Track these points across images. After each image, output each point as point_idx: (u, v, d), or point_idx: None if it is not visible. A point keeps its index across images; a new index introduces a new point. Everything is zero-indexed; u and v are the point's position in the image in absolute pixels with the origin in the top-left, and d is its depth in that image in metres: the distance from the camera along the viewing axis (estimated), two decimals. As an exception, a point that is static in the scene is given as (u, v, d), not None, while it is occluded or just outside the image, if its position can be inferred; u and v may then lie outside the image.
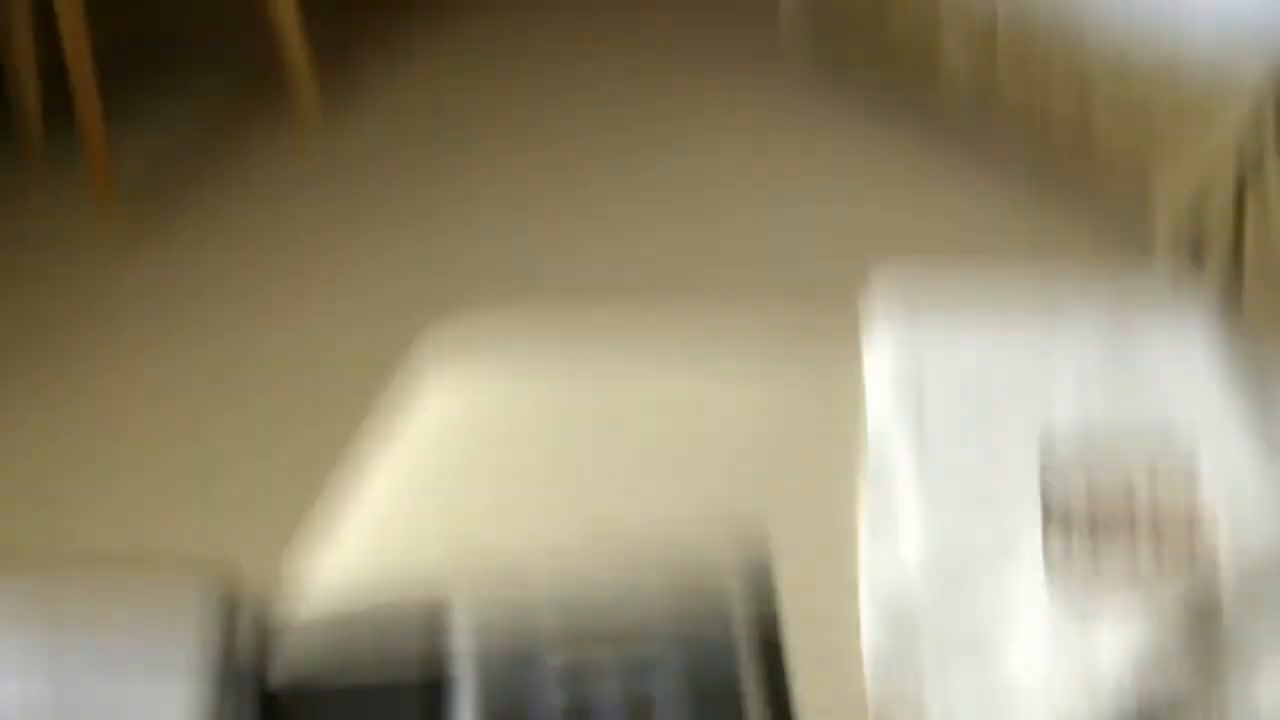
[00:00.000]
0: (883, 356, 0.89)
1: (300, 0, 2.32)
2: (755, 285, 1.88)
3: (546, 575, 0.36)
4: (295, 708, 0.37)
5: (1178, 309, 0.91)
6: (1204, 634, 0.92)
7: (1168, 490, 0.85)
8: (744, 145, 2.25)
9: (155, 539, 1.57)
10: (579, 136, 2.26)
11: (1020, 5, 1.94)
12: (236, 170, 2.24)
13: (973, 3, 2.02)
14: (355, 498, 0.92)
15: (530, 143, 2.25)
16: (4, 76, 2.36)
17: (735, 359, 0.96)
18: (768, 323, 0.97)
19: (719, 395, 0.93)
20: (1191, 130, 1.72)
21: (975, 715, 0.87)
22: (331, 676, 0.37)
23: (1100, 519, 0.86)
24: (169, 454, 1.66)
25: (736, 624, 0.33)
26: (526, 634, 0.35)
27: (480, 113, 2.34)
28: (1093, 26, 1.83)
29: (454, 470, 0.90)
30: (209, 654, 0.37)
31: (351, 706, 0.37)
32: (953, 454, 0.84)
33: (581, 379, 0.96)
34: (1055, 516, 0.88)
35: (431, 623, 0.37)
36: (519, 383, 0.96)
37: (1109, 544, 0.86)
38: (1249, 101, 1.66)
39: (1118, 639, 0.91)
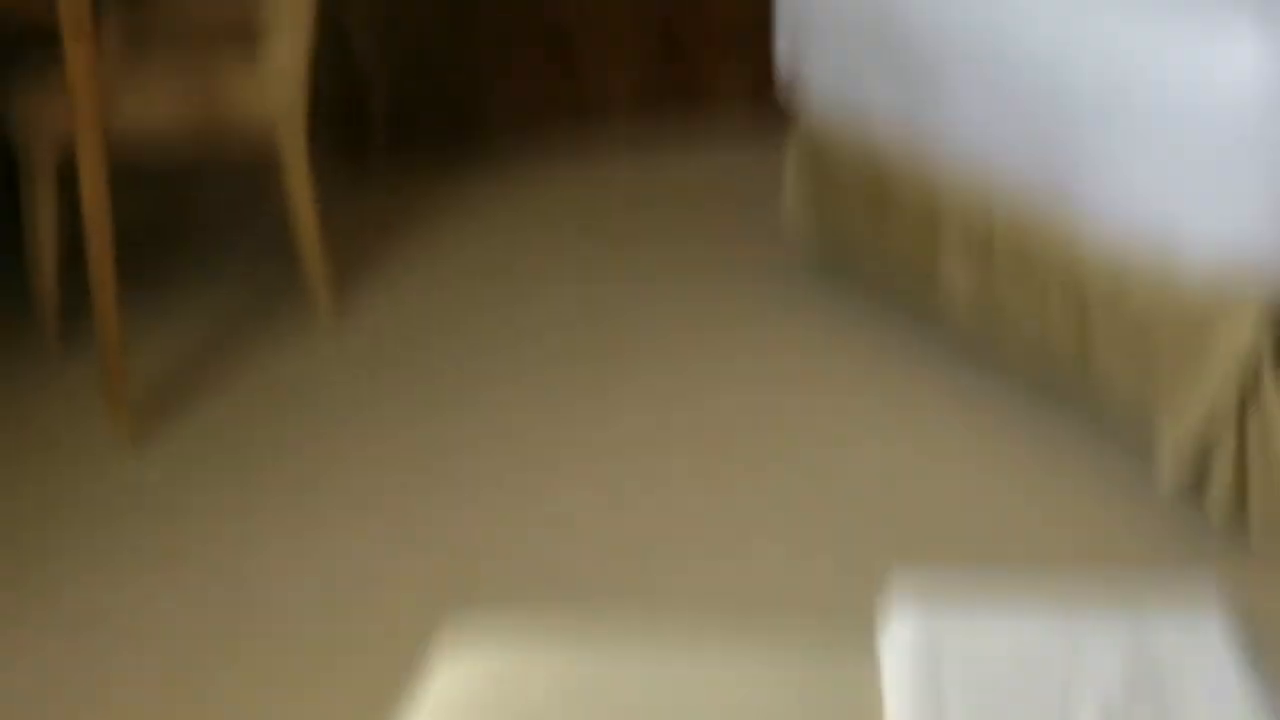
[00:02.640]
0: (901, 668, 0.89)
1: (320, 216, 2.38)
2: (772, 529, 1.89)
3: None
4: None
5: (1196, 621, 0.91)
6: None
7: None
8: (762, 374, 2.29)
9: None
10: (577, 358, 2.30)
11: (1017, 219, 1.97)
12: (247, 375, 2.26)
13: (970, 217, 2.05)
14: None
15: (540, 366, 2.28)
16: (26, 270, 2.40)
17: (753, 658, 0.96)
18: (783, 629, 0.96)
19: (737, 688, 0.93)
20: (1191, 353, 1.73)
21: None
22: None
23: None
24: (168, 689, 1.61)
25: None
26: None
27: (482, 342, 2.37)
28: (1090, 247, 1.86)
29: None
30: None
31: None
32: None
33: (598, 669, 0.96)
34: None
35: None
36: (534, 676, 0.96)
37: None
38: (1247, 327, 1.67)
39: None
